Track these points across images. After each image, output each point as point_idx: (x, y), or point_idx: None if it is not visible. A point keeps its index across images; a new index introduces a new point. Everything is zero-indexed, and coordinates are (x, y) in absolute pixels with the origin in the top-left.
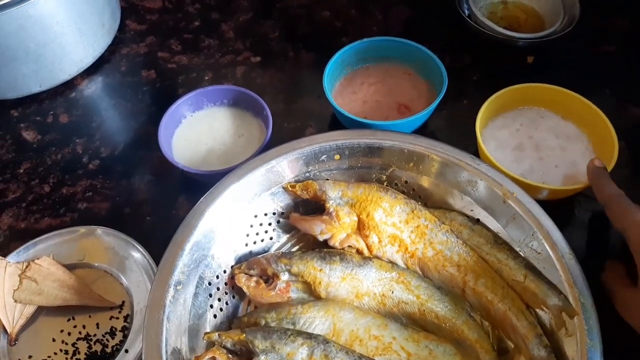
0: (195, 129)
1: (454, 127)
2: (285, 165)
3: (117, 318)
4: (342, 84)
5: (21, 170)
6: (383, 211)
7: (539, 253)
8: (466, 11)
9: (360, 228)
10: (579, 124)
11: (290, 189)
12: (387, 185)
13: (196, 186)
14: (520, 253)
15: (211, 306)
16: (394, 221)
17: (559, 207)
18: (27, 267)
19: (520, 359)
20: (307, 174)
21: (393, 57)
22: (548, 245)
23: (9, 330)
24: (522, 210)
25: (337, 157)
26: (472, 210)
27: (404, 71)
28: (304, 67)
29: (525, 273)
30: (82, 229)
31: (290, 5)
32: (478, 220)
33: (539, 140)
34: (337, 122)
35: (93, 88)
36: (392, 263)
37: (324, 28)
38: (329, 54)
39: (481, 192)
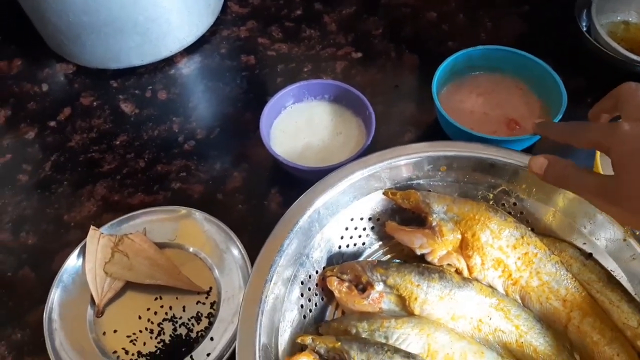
0: (294, 122)
1: (563, 150)
2: (388, 171)
3: (204, 304)
4: (449, 90)
5: (117, 142)
6: (490, 232)
7: None
8: (584, 27)
9: (463, 247)
10: None
11: (390, 196)
12: (493, 205)
13: (290, 179)
14: (636, 297)
15: (301, 306)
16: (500, 245)
17: None
18: (119, 240)
19: None
20: (409, 183)
21: (506, 68)
22: None
23: (96, 302)
24: None
25: (443, 168)
26: (584, 244)
27: (516, 85)
28: (406, 69)
29: None
30: (183, 210)
31: (396, 4)
32: (591, 254)
33: None
34: (437, 130)
35: (192, 67)
36: (492, 288)
37: (430, 31)
38: (433, 58)
39: (598, 227)
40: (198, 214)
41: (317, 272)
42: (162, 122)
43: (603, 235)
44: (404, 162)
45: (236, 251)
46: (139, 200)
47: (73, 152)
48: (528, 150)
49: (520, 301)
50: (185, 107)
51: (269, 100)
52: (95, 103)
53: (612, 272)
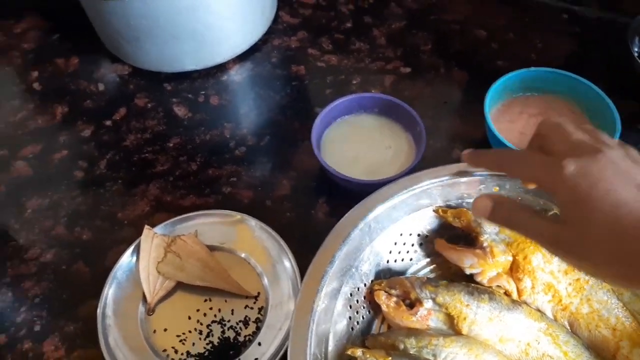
0: (343, 133)
1: None
2: (440, 189)
3: (252, 308)
4: (499, 110)
5: (171, 145)
6: (542, 256)
7: None
8: (636, 52)
9: (514, 270)
10: None
11: (441, 213)
12: None
13: (338, 191)
14: None
15: (349, 318)
16: (552, 269)
17: None
18: (172, 241)
19: None
20: (460, 201)
21: (558, 91)
22: None
23: (148, 300)
24: None
25: (495, 189)
26: None
27: (568, 108)
28: (454, 86)
29: None
30: (237, 215)
31: (445, 20)
32: None
33: None
34: (485, 147)
35: (244, 75)
36: (541, 312)
37: (479, 48)
38: (482, 75)
39: None
40: (252, 221)
41: (365, 285)
42: (214, 127)
43: None
44: (456, 180)
45: (287, 261)
46: (191, 202)
47: (127, 151)
48: None
49: (568, 327)
50: (236, 114)
51: (321, 111)
52: (149, 105)
53: None
